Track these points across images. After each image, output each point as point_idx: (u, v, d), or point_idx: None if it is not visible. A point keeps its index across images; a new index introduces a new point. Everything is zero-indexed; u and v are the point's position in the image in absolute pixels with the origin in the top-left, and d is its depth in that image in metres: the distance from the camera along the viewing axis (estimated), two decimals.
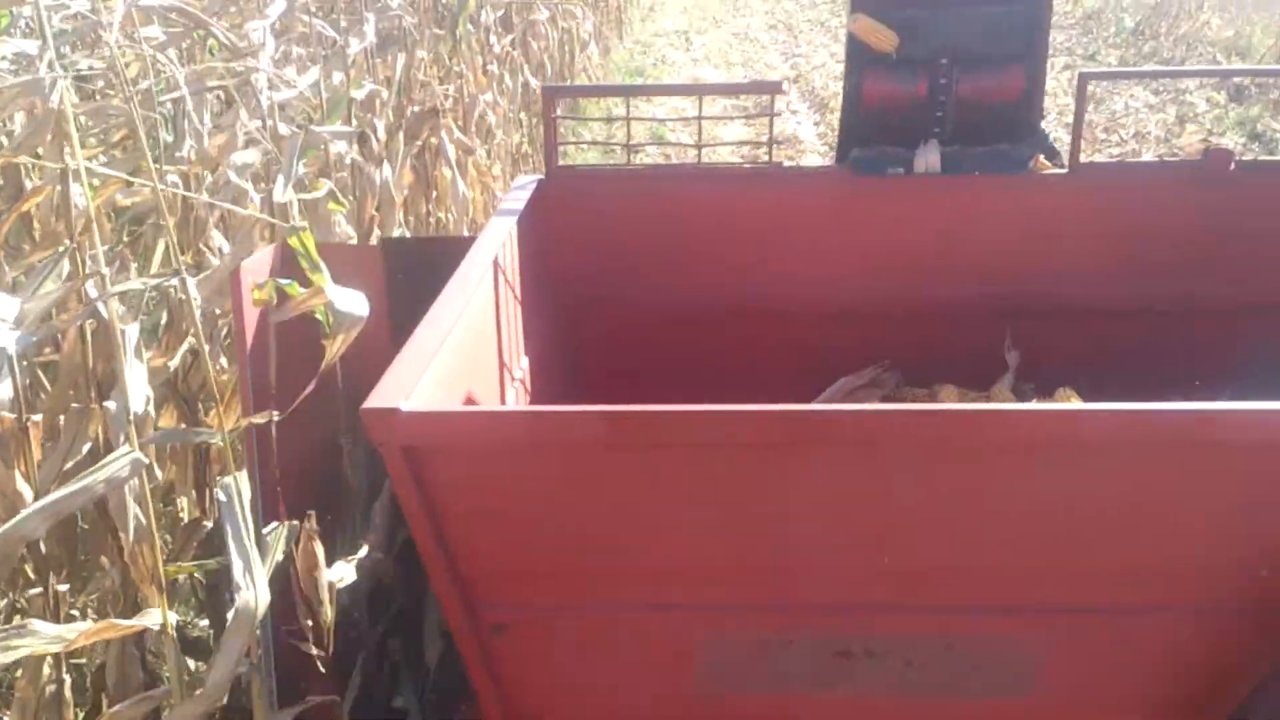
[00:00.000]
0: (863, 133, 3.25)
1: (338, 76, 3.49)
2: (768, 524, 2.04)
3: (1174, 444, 1.94)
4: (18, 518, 1.82)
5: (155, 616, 1.97)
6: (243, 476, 2.07)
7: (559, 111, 3.22)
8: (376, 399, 1.87)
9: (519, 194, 3.03)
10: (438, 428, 1.92)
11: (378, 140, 3.58)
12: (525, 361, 2.85)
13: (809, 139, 9.47)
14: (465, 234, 4.09)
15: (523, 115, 7.39)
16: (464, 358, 2.29)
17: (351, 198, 3.41)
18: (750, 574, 2.12)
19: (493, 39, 6.49)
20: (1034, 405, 2.24)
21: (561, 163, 3.22)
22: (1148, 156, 9.06)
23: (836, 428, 1.93)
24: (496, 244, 2.63)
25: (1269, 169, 3.34)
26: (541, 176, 3.16)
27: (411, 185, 4.20)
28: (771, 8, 17.46)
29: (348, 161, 3.41)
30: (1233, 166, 3.12)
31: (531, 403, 2.82)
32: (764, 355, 3.29)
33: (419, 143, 4.29)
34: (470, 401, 2.33)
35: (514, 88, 6.92)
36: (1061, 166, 3.19)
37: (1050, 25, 3.28)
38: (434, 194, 4.55)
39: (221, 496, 2.02)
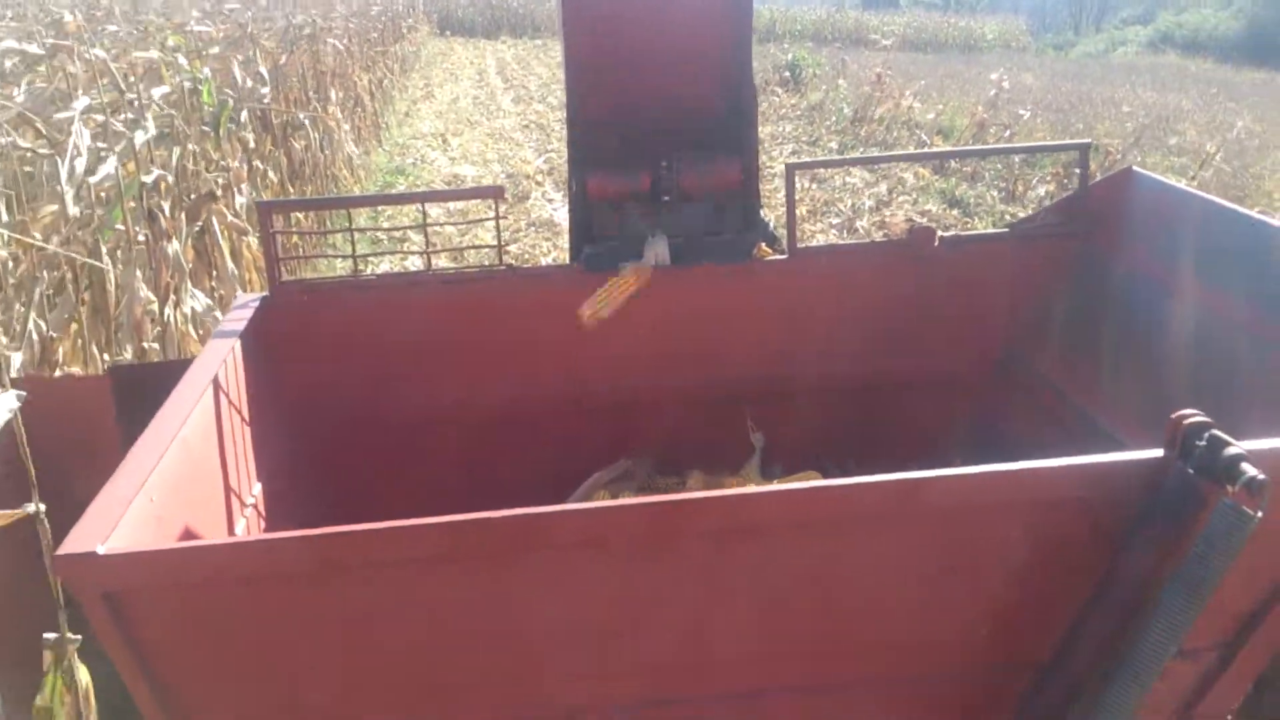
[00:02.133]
0: (592, 230, 3.28)
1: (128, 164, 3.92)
2: (507, 633, 1.96)
3: (882, 516, 1.93)
4: None
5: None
6: None
7: (282, 224, 3.23)
8: (71, 543, 1.72)
9: (241, 312, 2.88)
10: (140, 569, 1.75)
11: (165, 218, 3.99)
12: (257, 487, 2.67)
13: (564, 223, 10.19)
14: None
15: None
16: (180, 489, 2.13)
17: (150, 268, 3.82)
18: (494, 687, 2.03)
19: (249, 135, 6.88)
20: (728, 491, 2.14)
21: (299, 275, 3.16)
22: (862, 224, 10.19)
23: (562, 530, 1.84)
24: (215, 365, 2.50)
25: (968, 242, 3.41)
26: (266, 294, 3.01)
27: (193, 261, 4.60)
28: (523, 110, 18.20)
29: (141, 238, 3.82)
30: (936, 243, 3.22)
31: (268, 529, 2.65)
32: (517, 457, 3.25)
33: (199, 224, 4.71)
34: (187, 535, 2.13)
35: (277, 183, 7.35)
36: (782, 252, 3.24)
37: (757, 121, 3.35)
38: (214, 272, 4.95)
39: None
